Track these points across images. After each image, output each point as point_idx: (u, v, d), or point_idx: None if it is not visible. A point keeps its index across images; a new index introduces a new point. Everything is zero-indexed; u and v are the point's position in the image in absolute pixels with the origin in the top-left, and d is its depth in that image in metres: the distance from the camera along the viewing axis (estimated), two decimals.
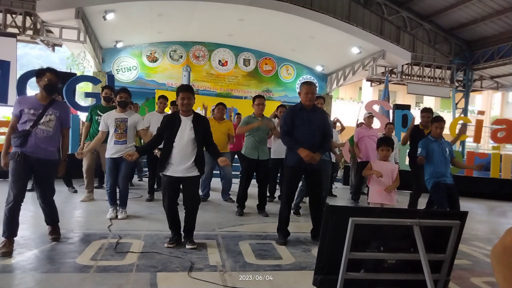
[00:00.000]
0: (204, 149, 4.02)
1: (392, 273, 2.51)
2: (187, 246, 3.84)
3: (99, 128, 5.00)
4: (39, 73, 3.62)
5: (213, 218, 5.26)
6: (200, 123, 3.93)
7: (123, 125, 4.90)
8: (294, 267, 3.51)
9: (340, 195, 8.33)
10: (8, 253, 3.36)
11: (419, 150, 4.88)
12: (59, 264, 3.24)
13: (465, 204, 8.10)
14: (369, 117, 7.44)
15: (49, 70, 3.66)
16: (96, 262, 3.30)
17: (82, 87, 14.85)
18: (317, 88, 15.87)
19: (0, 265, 3.14)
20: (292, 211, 5.03)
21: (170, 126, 3.87)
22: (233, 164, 9.10)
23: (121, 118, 4.91)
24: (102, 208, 5.43)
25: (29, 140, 3.50)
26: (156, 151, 6.88)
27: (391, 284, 2.57)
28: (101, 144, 5.19)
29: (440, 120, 4.91)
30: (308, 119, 4.23)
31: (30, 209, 5.05)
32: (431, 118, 5.20)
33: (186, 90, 3.86)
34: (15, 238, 3.55)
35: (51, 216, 3.86)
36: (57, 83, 3.69)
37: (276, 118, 7.01)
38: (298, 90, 4.41)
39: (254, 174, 5.75)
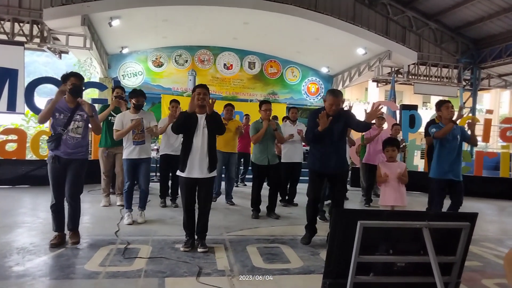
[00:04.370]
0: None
1: (402, 276, 2.49)
2: (199, 250, 3.86)
3: (115, 127, 5.01)
4: (64, 78, 3.85)
5: (220, 222, 5.25)
6: (214, 120, 3.98)
7: (140, 125, 4.96)
8: (302, 271, 3.50)
9: (350, 197, 8.23)
10: (55, 245, 3.79)
11: (433, 130, 4.61)
12: (68, 270, 3.26)
13: (474, 205, 8.03)
14: (380, 119, 7.43)
15: (73, 74, 3.90)
16: (105, 268, 3.31)
17: (89, 93, 14.92)
18: (323, 90, 15.95)
19: (11, 271, 3.17)
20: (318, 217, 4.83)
21: (188, 121, 3.90)
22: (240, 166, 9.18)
23: (136, 119, 4.95)
24: (109, 213, 5.45)
25: (61, 144, 3.79)
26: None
27: (401, 287, 2.54)
28: (117, 147, 5.71)
29: (446, 101, 4.75)
30: (327, 129, 4.12)
31: (40, 216, 5.10)
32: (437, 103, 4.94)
33: (202, 87, 4.04)
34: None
35: (74, 219, 3.99)
36: (81, 86, 3.92)
37: (288, 121, 7.02)
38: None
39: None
